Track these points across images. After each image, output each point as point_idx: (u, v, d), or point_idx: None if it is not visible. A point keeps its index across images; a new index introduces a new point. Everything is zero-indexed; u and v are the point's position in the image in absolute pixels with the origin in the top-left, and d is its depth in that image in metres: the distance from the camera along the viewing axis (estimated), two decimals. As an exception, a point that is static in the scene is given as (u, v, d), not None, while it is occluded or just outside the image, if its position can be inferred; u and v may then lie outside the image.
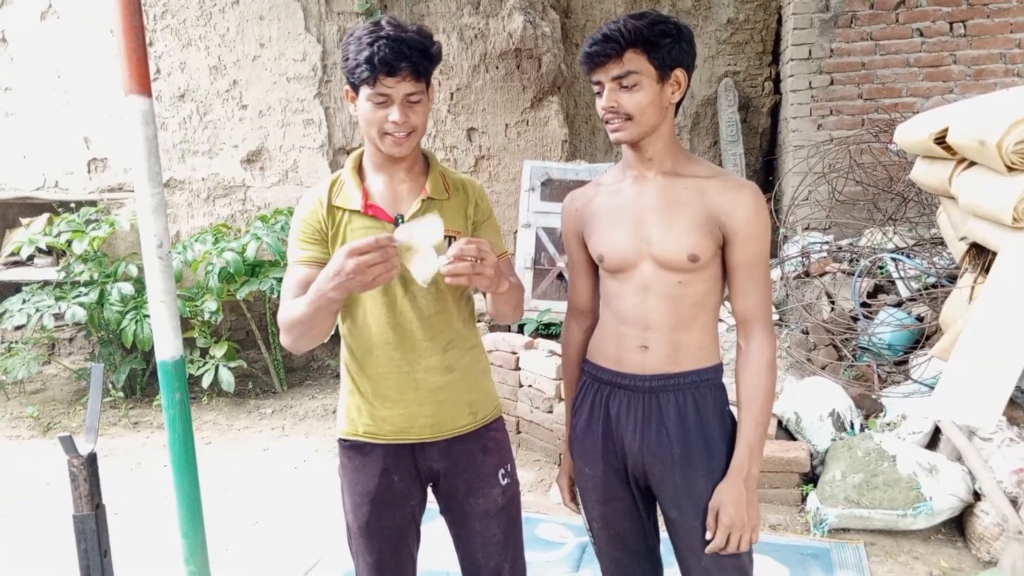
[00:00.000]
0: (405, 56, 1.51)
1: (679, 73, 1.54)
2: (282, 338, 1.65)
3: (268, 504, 3.57)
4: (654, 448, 1.61)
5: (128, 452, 4.29)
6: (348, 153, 5.66)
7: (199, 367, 4.86)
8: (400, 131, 1.57)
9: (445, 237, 1.57)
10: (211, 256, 4.85)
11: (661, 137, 1.58)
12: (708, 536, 1.57)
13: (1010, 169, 2.51)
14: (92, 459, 1.43)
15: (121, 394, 5.03)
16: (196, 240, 5.12)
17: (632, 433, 1.64)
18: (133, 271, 5.02)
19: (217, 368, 4.83)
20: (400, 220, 1.64)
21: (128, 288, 4.88)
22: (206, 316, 4.88)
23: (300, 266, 1.65)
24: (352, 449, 1.74)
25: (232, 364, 4.89)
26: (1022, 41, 5.23)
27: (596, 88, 1.57)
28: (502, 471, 1.80)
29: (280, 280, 4.94)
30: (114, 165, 5.74)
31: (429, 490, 1.83)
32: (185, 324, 4.81)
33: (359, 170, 1.72)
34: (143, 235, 2.20)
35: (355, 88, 1.59)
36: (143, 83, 2.17)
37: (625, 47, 1.49)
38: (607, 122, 1.56)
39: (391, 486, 1.72)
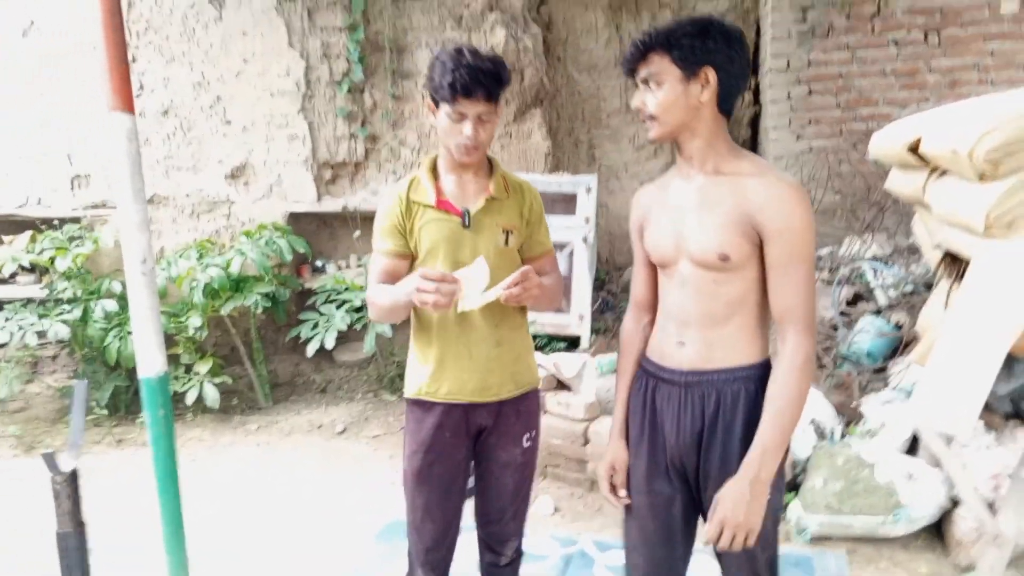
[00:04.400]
0: (481, 83, 1.81)
1: (707, 71, 1.55)
2: (369, 311, 2.07)
3: (255, 521, 3.56)
4: (688, 438, 1.68)
5: (112, 470, 4.26)
6: (332, 167, 5.70)
7: (183, 383, 4.85)
8: (471, 142, 1.87)
9: (504, 231, 2.00)
10: (195, 272, 4.85)
11: (698, 136, 1.61)
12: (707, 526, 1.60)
13: (982, 178, 2.56)
14: (74, 476, 1.44)
15: (105, 412, 5.00)
16: (180, 256, 5.12)
17: (671, 423, 1.70)
18: (117, 288, 5.00)
19: (202, 384, 4.82)
20: (467, 214, 1.97)
21: (112, 305, 4.86)
22: (191, 332, 4.87)
23: (382, 256, 2.01)
24: (415, 405, 2.07)
25: (217, 380, 4.87)
26: (995, 51, 5.32)
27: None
28: (527, 435, 2.12)
29: (265, 295, 4.96)
30: (97, 181, 5.73)
31: None
32: (169, 340, 4.81)
33: (434, 171, 2.03)
34: (126, 252, 2.21)
35: (436, 103, 1.90)
36: (126, 100, 2.18)
37: (647, 50, 1.57)
38: (643, 122, 1.65)
39: (443, 439, 2.03)
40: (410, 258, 2.02)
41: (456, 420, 2.03)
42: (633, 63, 1.60)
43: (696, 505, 1.77)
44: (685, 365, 1.68)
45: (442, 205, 1.98)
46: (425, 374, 2.03)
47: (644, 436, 1.77)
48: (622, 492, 1.84)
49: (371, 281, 2.03)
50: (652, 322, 1.85)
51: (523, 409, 2.11)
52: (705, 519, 1.69)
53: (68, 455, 1.45)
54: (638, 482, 1.80)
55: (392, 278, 1.98)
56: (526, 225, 2.08)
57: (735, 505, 1.53)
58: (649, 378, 1.78)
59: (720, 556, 1.74)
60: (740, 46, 1.59)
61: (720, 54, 1.55)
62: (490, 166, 2.07)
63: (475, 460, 2.15)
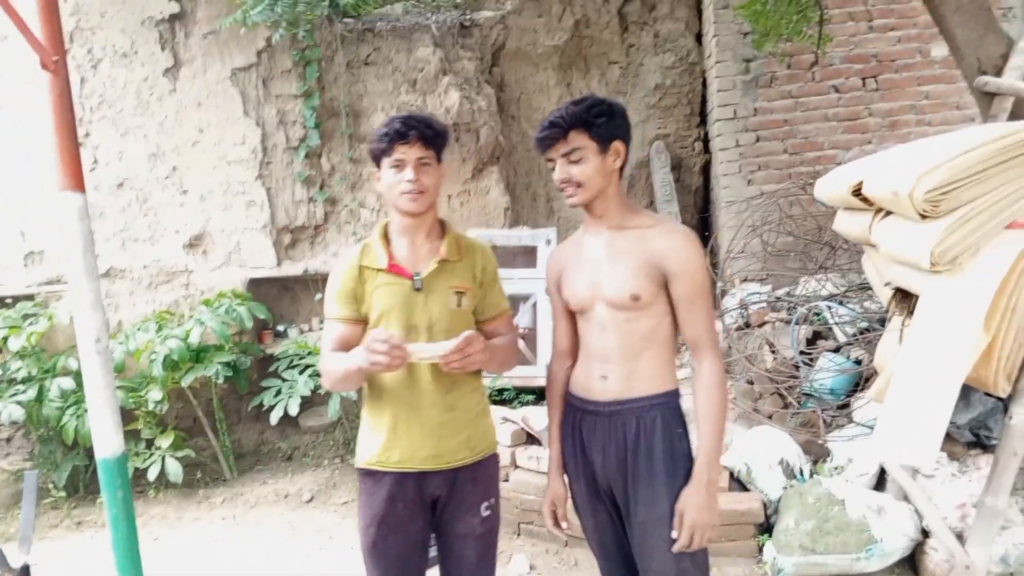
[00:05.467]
0: (413, 126, 1.91)
1: (617, 144, 1.86)
2: (322, 380, 2.02)
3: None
4: (613, 463, 1.88)
5: (72, 554, 4.11)
6: (291, 231, 5.69)
7: (145, 459, 4.72)
8: (413, 188, 1.92)
9: (456, 293, 2.00)
10: (154, 344, 4.76)
11: (608, 198, 1.89)
12: (674, 535, 1.79)
13: (923, 217, 2.66)
14: (26, 571, 1.39)
15: (63, 493, 4.83)
16: (139, 329, 5.03)
17: (598, 451, 1.91)
18: (73, 365, 4.88)
19: (164, 459, 4.69)
20: (417, 277, 1.98)
21: (68, 383, 4.74)
22: (151, 406, 4.76)
23: (335, 323, 2.01)
24: (366, 476, 2.02)
25: (179, 454, 4.75)
26: (930, 93, 5.57)
27: (550, 164, 1.89)
28: (485, 503, 2.05)
29: (225, 364, 4.89)
30: (51, 257, 5.63)
31: None
32: (129, 415, 4.70)
33: (386, 236, 2.06)
34: (80, 331, 2.19)
35: (378, 164, 1.98)
36: (77, 179, 2.19)
37: (568, 129, 1.81)
38: (562, 190, 1.87)
39: (396, 511, 1.97)
40: (363, 324, 2.01)
41: (409, 490, 1.98)
42: (554, 140, 1.83)
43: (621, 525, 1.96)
44: (608, 396, 1.90)
45: (393, 268, 1.99)
46: (376, 443, 2.00)
47: (579, 465, 1.98)
48: (564, 524, 2.09)
49: (324, 350, 2.01)
50: (573, 366, 2.06)
51: (480, 476, 2.05)
52: (630, 539, 1.91)
53: (19, 549, 1.41)
54: (583, 506, 2.02)
55: (345, 346, 1.97)
56: (479, 287, 2.08)
57: (699, 508, 1.78)
58: (576, 412, 1.99)
59: None
60: (628, 121, 1.91)
61: (623, 129, 1.87)
62: (442, 229, 2.09)
63: (435, 532, 2.08)
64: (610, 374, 1.89)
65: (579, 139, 1.82)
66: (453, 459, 1.99)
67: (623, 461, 1.87)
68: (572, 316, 2.04)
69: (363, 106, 5.69)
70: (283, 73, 5.59)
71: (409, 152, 1.92)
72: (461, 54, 5.82)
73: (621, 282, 1.84)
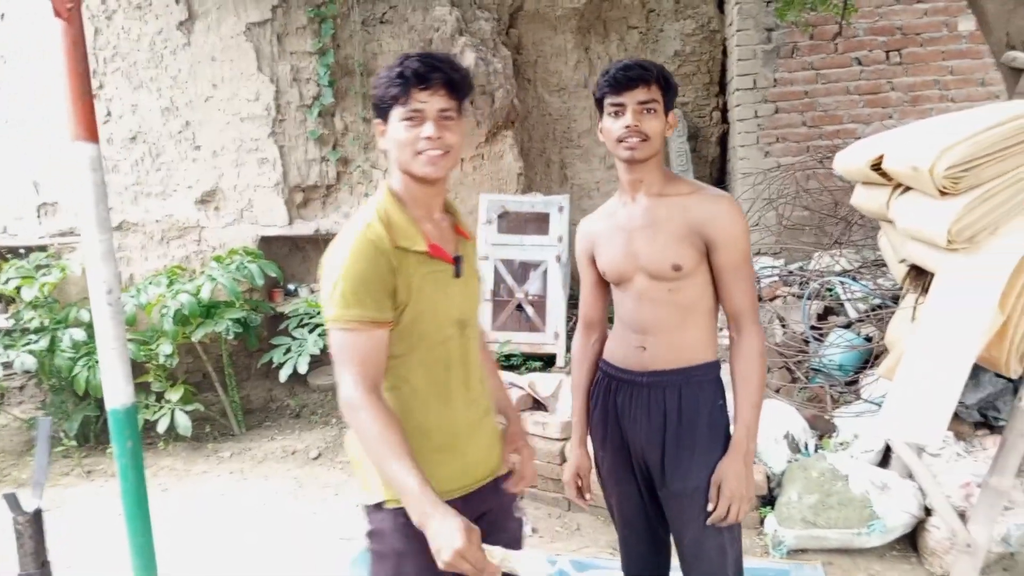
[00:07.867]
0: (437, 68, 1.47)
1: (672, 115, 1.82)
2: (347, 417, 1.43)
3: (229, 550, 3.50)
4: (650, 433, 1.84)
5: (81, 502, 4.18)
6: (303, 191, 5.67)
7: (155, 412, 4.77)
8: (434, 148, 1.48)
9: (478, 279, 1.71)
10: (165, 298, 4.79)
11: (656, 163, 1.83)
12: (710, 507, 1.76)
13: (943, 193, 2.62)
14: (38, 516, 1.41)
15: (74, 443, 4.89)
16: (150, 283, 5.05)
17: (633, 421, 1.86)
18: (85, 316, 4.91)
19: (173, 412, 4.74)
20: (458, 261, 1.58)
21: (80, 334, 4.78)
22: (161, 359, 4.80)
23: (360, 331, 1.42)
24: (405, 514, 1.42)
25: (188, 408, 4.80)
26: (954, 68, 5.46)
27: (613, 110, 1.76)
28: (515, 504, 1.77)
29: (236, 321, 4.89)
30: (64, 209, 5.64)
31: None
32: (139, 368, 4.74)
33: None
34: (92, 282, 2.19)
35: (385, 115, 1.51)
36: (90, 129, 2.17)
37: (653, 79, 1.74)
38: (622, 140, 1.75)
39: None
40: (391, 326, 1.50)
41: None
42: (640, 83, 1.72)
43: (652, 497, 1.92)
44: (648, 367, 1.84)
45: (435, 251, 1.54)
46: (431, 470, 1.42)
47: (608, 435, 1.94)
48: (588, 495, 2.05)
49: (344, 371, 1.43)
50: (600, 338, 2.05)
51: (510, 474, 1.77)
52: (662, 510, 1.89)
53: (31, 494, 1.42)
54: (610, 475, 1.97)
55: (375, 366, 1.45)
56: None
57: (738, 479, 1.75)
58: (611, 380, 1.94)
59: (686, 558, 1.87)
60: None
61: (674, 104, 1.83)
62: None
63: None
64: (649, 345, 1.83)
65: (657, 93, 1.75)
66: (499, 463, 1.70)
67: (661, 431, 1.82)
68: (601, 287, 2.00)
69: (377, 65, 5.63)
70: (298, 29, 5.53)
71: (430, 101, 1.47)
72: (478, 14, 5.74)
73: (662, 251, 1.77)
